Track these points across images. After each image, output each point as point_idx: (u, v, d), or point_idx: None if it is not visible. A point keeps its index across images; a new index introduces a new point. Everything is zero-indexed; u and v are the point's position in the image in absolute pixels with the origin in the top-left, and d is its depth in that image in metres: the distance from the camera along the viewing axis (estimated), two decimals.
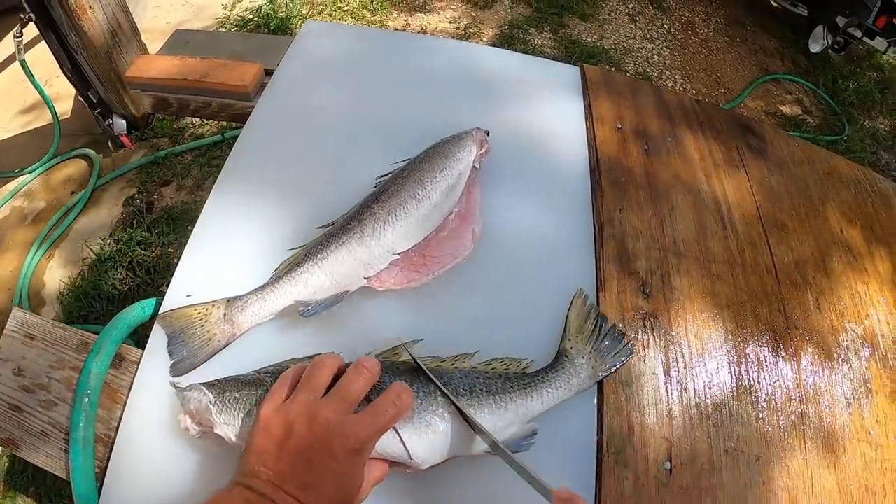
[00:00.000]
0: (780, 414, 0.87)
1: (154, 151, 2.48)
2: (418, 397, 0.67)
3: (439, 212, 0.84)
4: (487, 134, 0.95)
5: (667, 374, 0.85)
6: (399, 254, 0.81)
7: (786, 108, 3.19)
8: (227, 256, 0.88)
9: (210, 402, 0.66)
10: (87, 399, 0.77)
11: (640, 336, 0.86)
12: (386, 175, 0.90)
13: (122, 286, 2.12)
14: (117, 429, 0.77)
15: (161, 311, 0.83)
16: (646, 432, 0.79)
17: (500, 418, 0.69)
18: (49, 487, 1.76)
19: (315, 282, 0.78)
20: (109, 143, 2.51)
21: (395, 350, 0.75)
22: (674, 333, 0.88)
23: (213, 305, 0.79)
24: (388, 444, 0.65)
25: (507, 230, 0.90)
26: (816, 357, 0.95)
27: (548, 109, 1.08)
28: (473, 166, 0.90)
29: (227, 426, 0.65)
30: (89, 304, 2.06)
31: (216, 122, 2.55)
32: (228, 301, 0.79)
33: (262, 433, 0.60)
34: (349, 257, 0.79)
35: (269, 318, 0.80)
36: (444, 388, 0.68)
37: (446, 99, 1.07)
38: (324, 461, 0.57)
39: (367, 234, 0.80)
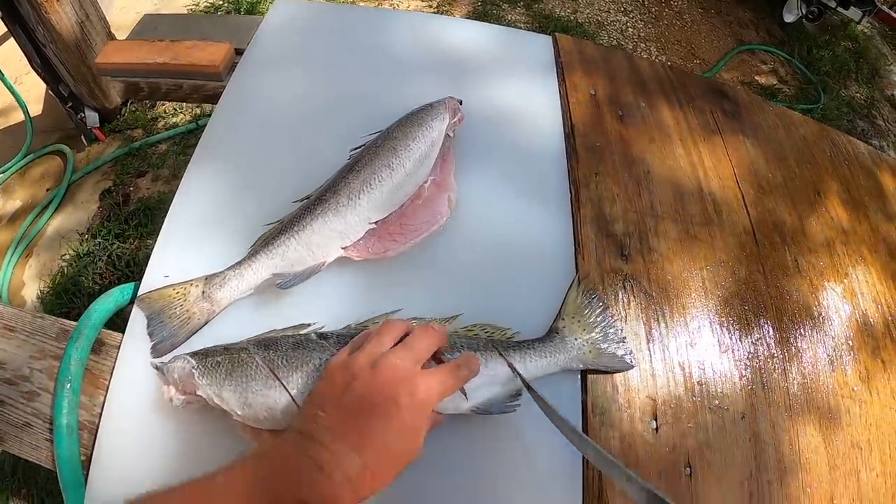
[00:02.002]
0: (763, 372, 0.88)
1: (128, 143, 2.44)
2: None
3: (414, 180, 0.84)
4: (460, 103, 0.95)
5: (648, 334, 0.85)
6: (375, 223, 0.81)
7: (761, 79, 3.21)
8: (203, 235, 0.87)
9: (193, 367, 0.66)
10: (68, 385, 0.76)
11: (619, 297, 0.87)
12: (359, 147, 0.89)
13: (102, 280, 2.10)
14: (101, 415, 0.77)
15: (139, 293, 0.82)
16: (630, 392, 0.80)
17: (479, 374, 0.69)
18: (41, 487, 1.74)
19: (292, 254, 0.78)
20: (83, 138, 2.46)
21: (375, 320, 0.75)
22: (654, 294, 0.88)
23: (192, 284, 0.79)
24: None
25: (483, 197, 0.90)
26: (797, 315, 0.95)
27: (521, 78, 1.08)
28: (447, 134, 0.89)
29: (210, 387, 0.65)
30: (70, 301, 2.04)
31: (189, 110, 2.52)
32: (206, 279, 0.79)
33: (325, 381, 0.60)
34: (325, 228, 0.78)
35: (248, 294, 0.79)
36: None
37: (419, 72, 1.07)
38: (388, 409, 0.55)
39: (342, 204, 0.79)
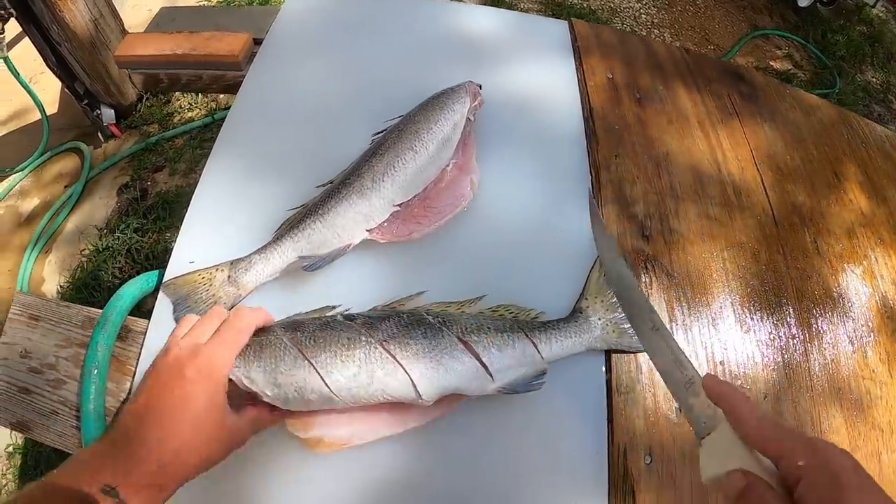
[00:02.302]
0: (784, 352, 0.88)
1: (145, 139, 2.47)
2: (426, 337, 0.69)
3: (436, 163, 0.85)
4: (480, 87, 0.95)
5: (671, 314, 0.85)
6: (399, 205, 0.81)
7: (776, 64, 3.18)
8: (227, 221, 0.88)
9: (243, 380, 0.66)
10: (95, 371, 0.77)
11: (642, 278, 0.87)
12: (381, 132, 0.90)
13: (122, 274, 2.12)
14: (127, 400, 0.77)
15: (165, 279, 0.83)
16: (653, 371, 0.80)
17: (506, 355, 0.70)
18: None
19: (317, 237, 0.79)
20: (99, 134, 2.49)
21: (402, 301, 0.76)
22: (675, 275, 0.88)
23: (217, 269, 0.80)
24: (396, 385, 0.66)
25: (505, 180, 0.90)
26: (817, 297, 0.95)
27: (538, 63, 1.08)
28: (468, 118, 0.90)
29: (239, 369, 0.65)
30: (90, 295, 2.06)
31: (204, 105, 2.54)
32: (232, 263, 0.80)
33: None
34: (350, 210, 0.79)
35: (273, 277, 0.80)
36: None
37: (437, 57, 1.07)
38: (175, 384, 0.58)
39: (366, 186, 0.80)
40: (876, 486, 0.44)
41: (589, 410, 0.76)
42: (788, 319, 0.91)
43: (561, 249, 0.86)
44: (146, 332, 0.82)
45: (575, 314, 0.79)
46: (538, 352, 0.73)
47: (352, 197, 0.80)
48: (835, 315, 0.95)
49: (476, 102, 0.91)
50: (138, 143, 2.46)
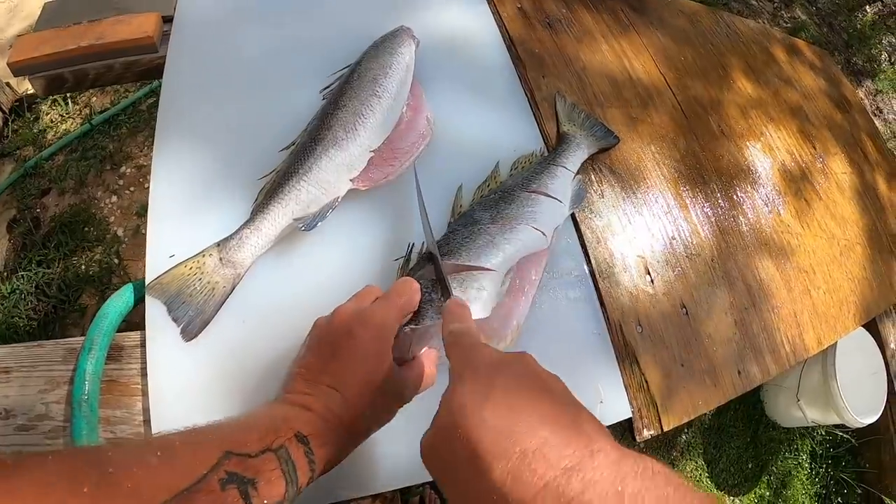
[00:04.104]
0: (717, 221, 1.01)
1: (21, 165, 2.28)
2: (508, 205, 0.83)
3: (399, 104, 0.88)
4: None
5: (624, 204, 0.95)
6: (374, 151, 0.84)
7: None
8: (195, 205, 0.86)
9: (409, 329, 0.67)
10: (85, 405, 0.70)
11: (592, 179, 0.96)
12: (330, 86, 0.91)
13: (37, 315, 1.98)
14: (147, 421, 0.73)
15: (148, 282, 0.77)
16: (624, 255, 0.90)
17: (557, 183, 0.88)
18: None
19: (305, 196, 0.79)
20: None
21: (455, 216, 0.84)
22: (618, 171, 0.98)
23: (204, 255, 0.77)
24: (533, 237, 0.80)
25: (453, 116, 0.95)
26: (732, 172, 1.09)
27: (452, 3, 1.11)
28: None
29: (431, 317, 0.68)
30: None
31: (77, 114, 2.38)
32: (219, 245, 0.77)
33: (301, 349, 0.63)
34: (331, 164, 0.80)
35: (267, 248, 0.79)
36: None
37: (357, 7, 1.08)
38: (345, 343, 0.59)
39: (340, 137, 0.81)
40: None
41: (583, 299, 0.85)
42: (715, 194, 1.04)
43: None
44: (143, 344, 0.76)
45: (565, 137, 0.96)
46: (568, 169, 0.91)
47: (329, 150, 0.80)
48: (748, 185, 1.09)
49: (415, 44, 0.95)
50: (15, 170, 2.26)
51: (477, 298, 0.72)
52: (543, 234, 0.81)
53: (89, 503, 0.39)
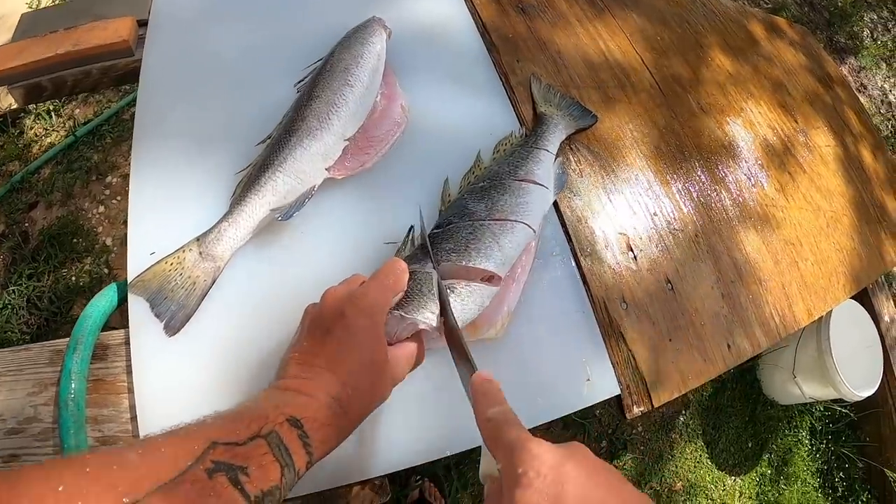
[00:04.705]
0: (699, 197, 1.01)
1: (7, 180, 2.27)
2: (501, 193, 0.82)
3: (371, 93, 0.88)
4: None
5: (603, 183, 0.95)
6: (348, 140, 0.84)
7: None
8: (175, 202, 0.86)
9: (399, 315, 0.67)
10: (72, 403, 0.70)
11: (572, 159, 0.96)
12: (304, 79, 0.91)
13: (30, 328, 1.97)
14: (134, 418, 0.73)
15: (130, 280, 0.78)
16: (606, 232, 0.90)
17: (542, 168, 0.87)
18: None
19: (281, 187, 0.79)
20: None
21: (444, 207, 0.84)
22: (599, 151, 0.98)
23: (184, 250, 0.77)
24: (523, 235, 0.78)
25: (429, 103, 0.95)
26: (713, 148, 1.09)
27: None
28: None
29: (423, 315, 0.67)
30: None
31: (62, 126, 2.37)
32: (198, 239, 0.78)
33: (294, 336, 0.63)
34: (306, 154, 0.80)
35: (246, 240, 0.80)
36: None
37: (330, 3, 1.07)
38: (338, 324, 0.59)
39: (314, 127, 0.81)
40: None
41: (567, 278, 0.85)
42: (696, 170, 1.04)
43: (492, 145, 0.92)
44: (128, 341, 0.76)
45: (543, 118, 0.96)
46: (549, 152, 0.91)
47: (304, 141, 0.80)
48: (730, 160, 1.09)
49: (387, 34, 0.95)
50: (2, 186, 2.25)
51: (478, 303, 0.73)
52: (535, 230, 0.81)
53: (65, 499, 0.39)
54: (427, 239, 0.75)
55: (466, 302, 0.71)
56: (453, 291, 0.71)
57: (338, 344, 0.58)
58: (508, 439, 0.47)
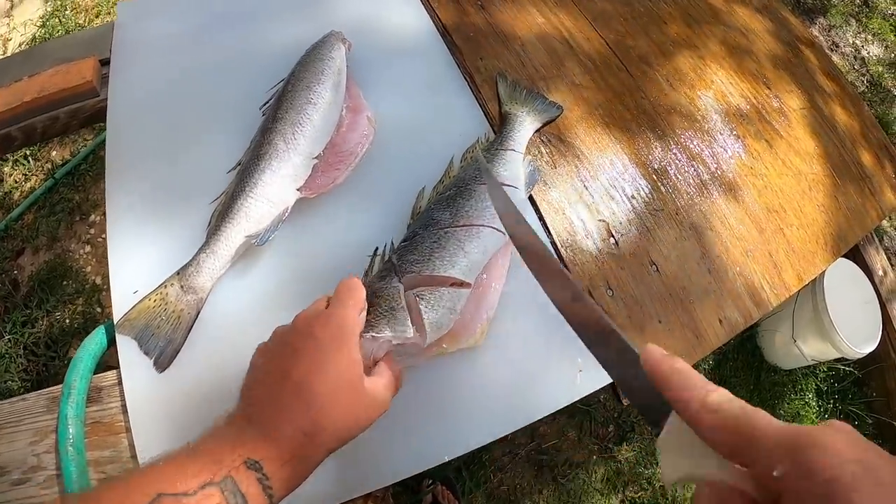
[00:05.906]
0: (678, 174, 1.00)
1: None
2: (466, 200, 0.81)
3: (335, 108, 0.88)
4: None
5: (578, 172, 0.95)
6: (317, 158, 0.84)
7: None
8: (152, 239, 0.86)
9: (371, 336, 0.65)
10: (71, 449, 0.71)
11: (543, 151, 0.95)
12: (268, 102, 0.91)
13: (29, 375, 1.97)
14: (134, 457, 0.73)
15: (116, 321, 0.78)
16: (585, 221, 0.90)
17: (509, 168, 0.87)
18: None
19: (255, 212, 0.79)
20: None
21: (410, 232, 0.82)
22: (569, 140, 0.98)
23: (165, 286, 0.77)
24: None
25: (396, 111, 0.95)
26: (686, 124, 1.09)
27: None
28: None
29: (394, 329, 0.66)
30: None
31: (40, 170, 2.36)
32: (178, 273, 0.78)
33: (250, 366, 0.59)
34: (275, 176, 0.80)
35: (226, 269, 0.80)
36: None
37: (285, 19, 1.07)
38: (309, 346, 0.56)
39: (281, 149, 0.81)
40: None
41: None
42: (671, 148, 1.04)
43: (463, 146, 0.93)
44: (121, 382, 0.77)
45: (508, 117, 0.96)
46: (517, 151, 0.90)
47: (272, 163, 0.81)
48: (705, 134, 1.09)
49: (346, 46, 0.95)
50: None
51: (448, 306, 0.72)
52: (504, 234, 0.79)
53: None
54: (392, 254, 0.75)
55: (435, 307, 0.70)
56: (421, 299, 0.70)
57: (308, 367, 0.54)
58: (779, 434, 0.34)
